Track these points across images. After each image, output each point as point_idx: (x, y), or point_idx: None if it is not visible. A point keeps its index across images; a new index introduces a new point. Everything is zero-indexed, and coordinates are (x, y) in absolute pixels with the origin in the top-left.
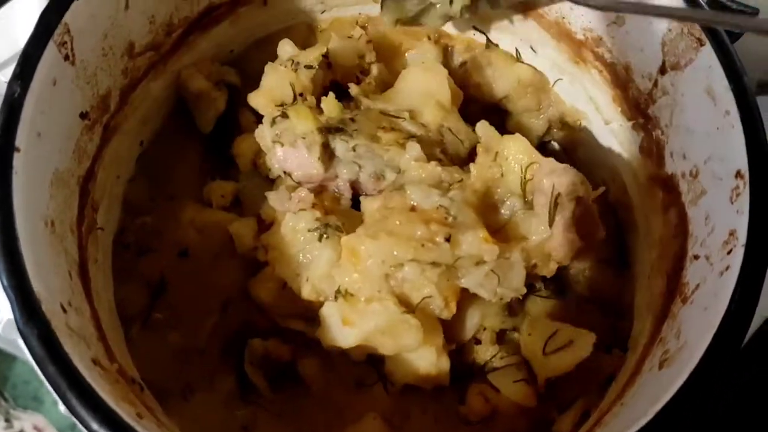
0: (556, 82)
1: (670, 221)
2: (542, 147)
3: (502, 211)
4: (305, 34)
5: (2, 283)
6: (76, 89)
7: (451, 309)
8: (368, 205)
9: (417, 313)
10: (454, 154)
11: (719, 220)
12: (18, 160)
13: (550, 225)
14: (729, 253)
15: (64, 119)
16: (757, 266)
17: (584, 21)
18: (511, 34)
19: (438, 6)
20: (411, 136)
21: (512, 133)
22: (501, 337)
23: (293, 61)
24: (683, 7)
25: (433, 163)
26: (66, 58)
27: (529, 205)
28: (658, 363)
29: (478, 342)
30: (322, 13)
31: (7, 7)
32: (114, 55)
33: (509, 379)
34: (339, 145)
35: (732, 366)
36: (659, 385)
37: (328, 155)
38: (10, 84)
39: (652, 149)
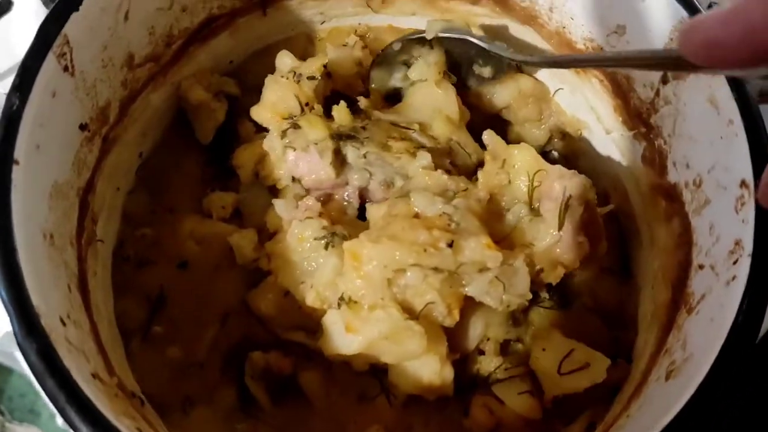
0: (556, 91)
1: (673, 230)
2: (543, 157)
3: (508, 218)
4: (304, 44)
5: (1, 297)
6: (76, 101)
7: (454, 316)
8: (374, 212)
9: (420, 321)
10: (462, 166)
11: (724, 230)
12: (17, 173)
13: (560, 228)
14: (735, 263)
15: (64, 131)
16: (764, 276)
17: (584, 31)
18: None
19: (417, 83)
20: (421, 147)
21: (513, 143)
22: (505, 348)
23: (295, 72)
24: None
25: (439, 171)
26: (65, 69)
27: (535, 212)
28: (664, 374)
29: (482, 353)
30: (322, 23)
31: (4, 18)
32: (114, 66)
33: (514, 391)
34: (350, 152)
35: (738, 378)
36: (666, 397)
37: (339, 161)
38: (9, 96)
39: (655, 158)
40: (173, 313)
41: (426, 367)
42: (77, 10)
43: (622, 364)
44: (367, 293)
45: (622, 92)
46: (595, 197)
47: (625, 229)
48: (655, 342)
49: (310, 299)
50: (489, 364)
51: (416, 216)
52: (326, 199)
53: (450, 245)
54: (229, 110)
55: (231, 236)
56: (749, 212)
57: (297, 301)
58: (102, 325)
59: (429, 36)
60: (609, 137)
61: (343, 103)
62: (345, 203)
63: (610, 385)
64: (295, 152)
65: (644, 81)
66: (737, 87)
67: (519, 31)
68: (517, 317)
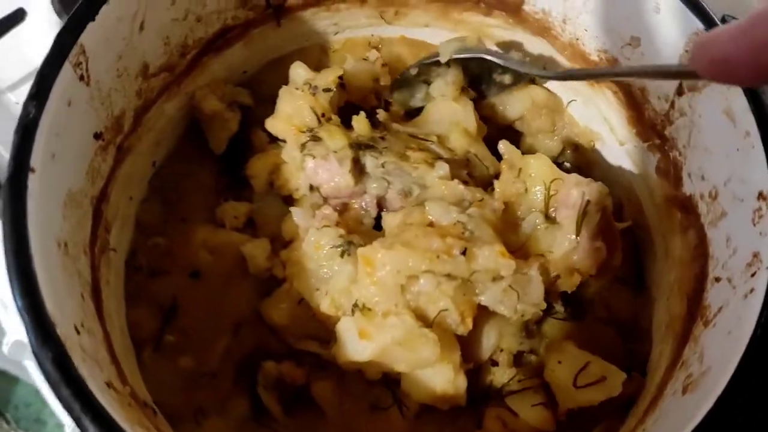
0: (569, 103)
1: (689, 242)
2: None
3: (523, 227)
4: (318, 55)
5: (16, 305)
6: (91, 110)
7: (468, 324)
8: (389, 220)
9: (434, 328)
10: (479, 177)
11: (741, 242)
12: (32, 181)
13: (577, 234)
14: (753, 275)
15: (79, 140)
16: None
17: (598, 43)
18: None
19: (438, 98)
20: (439, 157)
21: (526, 154)
22: (518, 360)
23: (310, 84)
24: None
25: (455, 181)
26: (81, 78)
27: (551, 220)
28: (681, 388)
29: (495, 364)
30: (335, 34)
31: (18, 28)
32: (128, 75)
33: (527, 403)
34: (369, 161)
35: (756, 390)
36: (683, 411)
37: (358, 170)
38: (26, 105)
39: (669, 170)
40: (185, 322)
41: (439, 375)
42: (93, 20)
43: (637, 377)
44: (381, 300)
45: (636, 104)
46: (611, 205)
47: (640, 240)
48: (671, 355)
49: (325, 306)
50: (502, 375)
51: (431, 224)
52: (343, 209)
53: (463, 253)
54: (242, 120)
55: (244, 246)
56: (767, 224)
57: (310, 310)
58: (114, 334)
59: (443, 60)
60: (622, 149)
61: (362, 113)
62: (362, 212)
63: (624, 398)
64: (314, 160)
65: (659, 93)
66: (754, 99)
67: (532, 42)
68: (531, 328)
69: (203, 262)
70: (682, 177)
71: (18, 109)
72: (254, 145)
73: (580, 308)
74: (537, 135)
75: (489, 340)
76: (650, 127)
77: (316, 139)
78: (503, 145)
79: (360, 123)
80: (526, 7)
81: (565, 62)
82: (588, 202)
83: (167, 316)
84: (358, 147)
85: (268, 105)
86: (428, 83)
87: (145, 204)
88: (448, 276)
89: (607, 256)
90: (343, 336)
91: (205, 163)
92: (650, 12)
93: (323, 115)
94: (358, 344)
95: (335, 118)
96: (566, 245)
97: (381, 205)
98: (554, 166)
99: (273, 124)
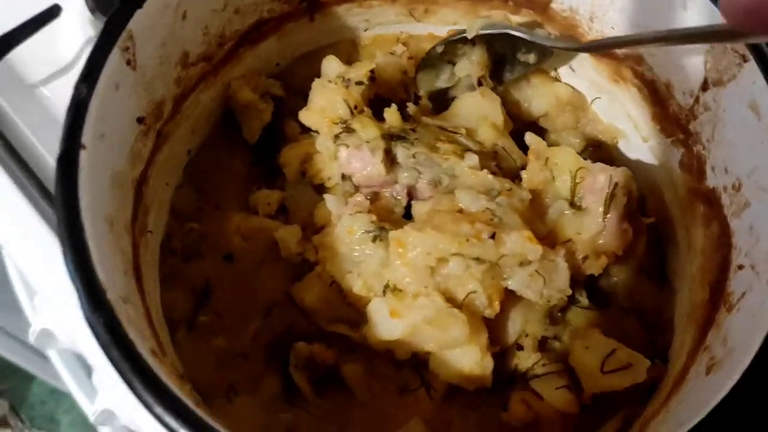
0: (594, 100)
1: (712, 234)
2: None
3: (549, 214)
4: (349, 50)
5: (68, 272)
6: (135, 94)
7: (495, 308)
8: (419, 208)
9: (462, 310)
10: (507, 169)
11: (765, 230)
12: (83, 158)
13: (605, 215)
14: None
15: (123, 123)
16: None
17: None
18: (557, 55)
19: (463, 79)
20: (468, 149)
21: None
22: (542, 345)
23: (343, 77)
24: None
25: (485, 171)
26: (128, 63)
27: (577, 207)
28: (704, 369)
29: (521, 348)
30: (365, 31)
31: (52, 24)
32: (170, 63)
33: (552, 386)
34: (400, 151)
35: None
36: (707, 390)
37: (389, 160)
38: (77, 86)
39: (693, 164)
40: (219, 304)
41: (467, 356)
42: (141, 7)
43: (659, 365)
44: (412, 281)
45: (661, 100)
46: (636, 190)
47: (662, 234)
48: (693, 341)
49: (357, 287)
50: (527, 359)
51: (460, 211)
52: (374, 198)
53: (492, 237)
54: (274, 111)
55: (276, 231)
56: None
57: (341, 293)
58: (153, 312)
59: (470, 35)
60: (646, 145)
61: (394, 106)
62: (393, 201)
63: (646, 384)
64: (348, 149)
65: (684, 88)
66: None
67: None
68: (555, 316)
69: (236, 246)
70: (706, 170)
71: (50, 104)
72: (287, 135)
73: (604, 299)
74: (561, 132)
75: (515, 325)
76: (674, 123)
77: (349, 130)
78: (530, 137)
79: (392, 115)
80: (553, 5)
81: (591, 60)
82: (616, 184)
83: (201, 298)
84: (390, 138)
85: (299, 97)
86: (453, 64)
87: (179, 191)
88: (477, 259)
89: (632, 240)
90: (374, 316)
91: (238, 153)
92: (677, 8)
93: (356, 107)
94: (389, 323)
95: (367, 110)
96: (593, 228)
97: (411, 194)
98: (579, 157)
99: (307, 116)
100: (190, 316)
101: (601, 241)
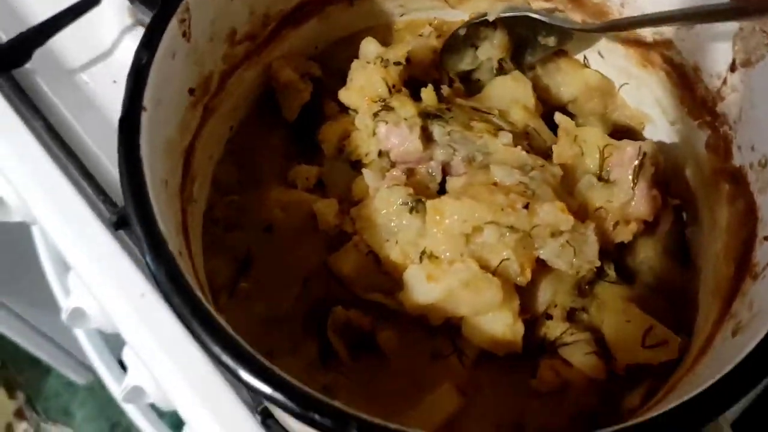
0: (621, 86)
1: (737, 211)
2: None
3: (578, 188)
4: (383, 34)
5: (132, 222)
6: (187, 66)
7: (527, 275)
8: (454, 183)
9: (496, 277)
10: (538, 148)
11: None
12: (144, 119)
13: (634, 183)
14: None
15: (177, 92)
16: None
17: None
18: (579, 40)
19: (485, 62)
20: (501, 129)
21: None
22: (570, 316)
23: (382, 58)
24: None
25: (518, 148)
26: (183, 34)
27: (605, 181)
28: (730, 333)
29: (550, 317)
30: (401, 16)
31: (93, 11)
32: (219, 40)
33: (580, 352)
34: (436, 129)
35: None
36: (732, 349)
37: (426, 137)
38: (138, 52)
39: (719, 145)
40: (258, 272)
41: (499, 321)
42: None
43: (684, 338)
44: (447, 248)
45: (689, 83)
46: (662, 162)
47: (686, 215)
48: (718, 312)
49: (395, 254)
50: (556, 329)
51: (494, 184)
52: (410, 174)
53: (526, 207)
54: (312, 91)
55: (315, 204)
56: None
57: (377, 262)
58: (199, 273)
59: (491, 18)
60: (673, 128)
61: (430, 86)
62: (428, 177)
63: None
64: (386, 126)
65: (711, 71)
66: None
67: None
68: (583, 288)
69: (276, 218)
70: (732, 150)
71: (89, 89)
72: (326, 113)
73: (630, 277)
74: (588, 117)
75: (545, 295)
76: (702, 105)
77: (387, 108)
78: (559, 116)
79: (428, 94)
80: None
81: (620, 46)
82: (644, 154)
83: (242, 266)
84: (427, 116)
85: (337, 78)
86: (475, 47)
87: (221, 165)
88: (511, 228)
89: (660, 210)
90: (411, 281)
91: (277, 130)
92: None
93: (393, 86)
94: (426, 287)
95: (404, 90)
96: (623, 196)
97: (446, 170)
98: (607, 136)
99: (347, 95)
100: (232, 282)
101: (632, 206)
